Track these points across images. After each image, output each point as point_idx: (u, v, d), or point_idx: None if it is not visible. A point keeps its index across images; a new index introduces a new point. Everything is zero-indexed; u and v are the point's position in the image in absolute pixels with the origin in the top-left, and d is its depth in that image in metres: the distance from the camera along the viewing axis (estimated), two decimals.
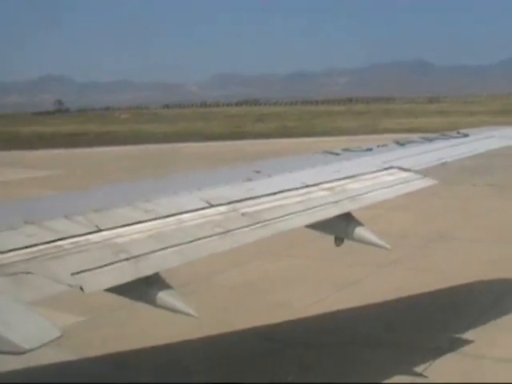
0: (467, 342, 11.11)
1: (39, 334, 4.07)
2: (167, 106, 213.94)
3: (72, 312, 12.35)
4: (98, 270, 4.93)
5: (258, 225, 6.43)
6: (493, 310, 12.68)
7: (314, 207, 7.28)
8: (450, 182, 23.82)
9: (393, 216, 20.42)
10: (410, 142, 11.17)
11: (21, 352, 3.91)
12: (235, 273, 15.75)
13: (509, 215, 22.27)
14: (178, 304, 5.31)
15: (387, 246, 7.72)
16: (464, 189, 27.64)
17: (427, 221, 21.71)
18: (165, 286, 5.34)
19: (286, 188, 7.50)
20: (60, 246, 5.05)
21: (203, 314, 5.76)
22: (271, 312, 12.84)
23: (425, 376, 9.83)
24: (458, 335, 11.42)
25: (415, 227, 20.68)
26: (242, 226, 6.28)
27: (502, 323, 12.02)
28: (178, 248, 5.57)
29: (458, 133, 12.00)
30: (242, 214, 6.51)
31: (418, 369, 10.01)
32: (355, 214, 7.78)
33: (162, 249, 5.46)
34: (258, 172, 7.99)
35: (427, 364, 10.22)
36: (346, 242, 7.97)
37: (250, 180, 7.58)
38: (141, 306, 5.59)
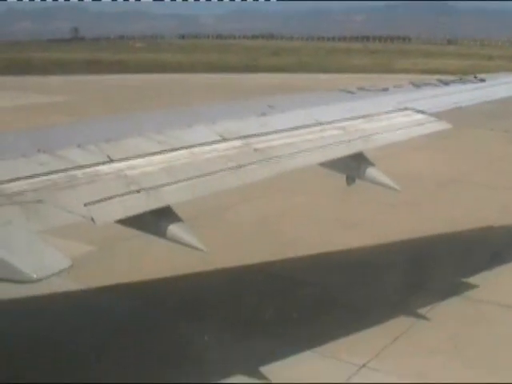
0: (472, 286, 11.17)
1: (49, 264, 4.09)
2: (183, 37, 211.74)
3: (82, 241, 12.40)
4: (109, 202, 4.94)
5: (270, 161, 6.43)
6: (500, 256, 12.72)
7: (326, 145, 7.27)
8: (466, 125, 23.65)
9: (406, 158, 20.30)
10: (426, 84, 11.06)
11: (30, 281, 3.93)
12: (246, 208, 15.77)
13: None
14: (188, 238, 5.33)
15: (397, 187, 7.74)
16: (480, 133, 27.42)
17: (441, 164, 21.61)
18: (175, 219, 5.35)
19: (300, 125, 7.47)
20: (72, 175, 5.06)
21: (212, 248, 5.79)
22: (279, 249, 12.90)
23: (426, 318, 9.92)
24: (462, 279, 11.48)
25: (428, 170, 20.58)
26: (255, 162, 6.27)
27: (507, 269, 12.08)
28: (189, 182, 5.58)
29: (475, 77, 11.86)
30: (255, 150, 6.50)
31: (421, 311, 10.09)
32: (368, 154, 7.77)
33: (174, 182, 5.47)
34: (271, 107, 7.95)
35: (429, 306, 10.30)
36: (358, 182, 7.98)
37: (263, 115, 7.54)
38: (151, 237, 5.62)
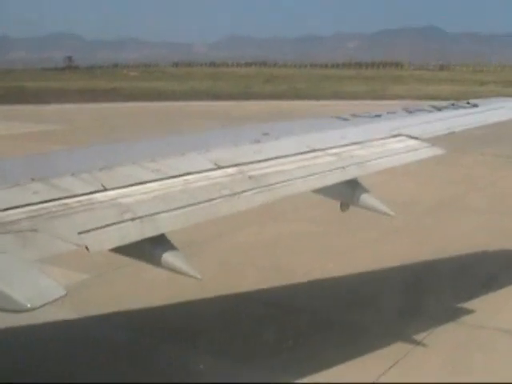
0: (468, 311, 11.15)
1: (43, 293, 4.08)
2: (176, 65, 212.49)
3: (76, 269, 12.36)
4: (103, 230, 4.94)
5: (264, 188, 6.43)
6: (494, 281, 12.72)
7: (320, 172, 7.28)
8: (458, 150, 23.73)
9: (399, 183, 20.38)
10: (419, 109, 11.11)
11: (23, 310, 3.92)
12: (239, 236, 15.76)
13: None
14: (183, 265, 5.33)
15: (391, 213, 7.76)
16: (472, 158, 27.53)
17: (434, 189, 21.67)
18: (169, 247, 5.35)
19: (294, 152, 7.49)
20: (66, 204, 5.06)
21: (206, 276, 5.78)
22: (272, 276, 12.88)
23: (423, 344, 9.88)
24: (458, 304, 11.46)
25: (421, 195, 20.64)
26: (249, 189, 6.28)
27: (503, 294, 12.07)
28: (183, 210, 5.58)
29: (468, 103, 11.92)
30: (249, 177, 6.50)
31: (418, 337, 10.06)
32: (361, 181, 7.79)
33: (168, 210, 5.47)
34: (265, 134, 7.97)
35: (427, 332, 10.27)
36: (352, 208, 7.99)
37: (257, 142, 7.57)
38: (145, 265, 5.61)
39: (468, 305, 11.40)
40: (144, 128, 36.07)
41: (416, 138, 8.92)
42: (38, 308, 3.96)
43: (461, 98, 14.30)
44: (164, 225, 5.32)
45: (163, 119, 43.85)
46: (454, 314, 11.10)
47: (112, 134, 33.35)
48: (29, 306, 3.91)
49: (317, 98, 63.60)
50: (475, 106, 11.63)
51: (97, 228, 4.92)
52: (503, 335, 10.56)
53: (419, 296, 11.91)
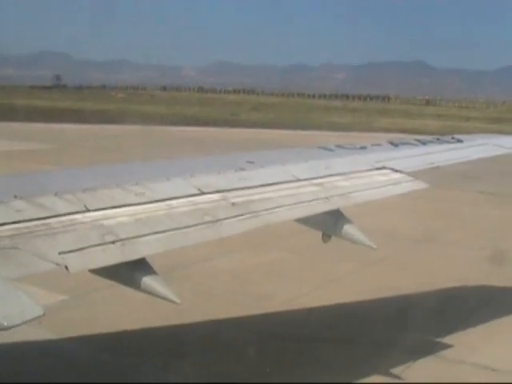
0: (446, 345, 11.15)
1: (21, 312, 4.07)
2: (164, 88, 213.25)
3: (55, 290, 12.31)
4: (84, 251, 4.93)
5: (247, 215, 6.43)
6: (474, 316, 12.73)
7: (303, 202, 7.30)
8: (441, 186, 23.84)
9: (382, 216, 20.43)
10: (403, 143, 11.17)
11: (0, 329, 3.91)
12: (220, 262, 15.73)
13: (495, 222, 22.44)
14: (162, 290, 5.31)
15: (374, 245, 7.76)
16: (453, 194, 27.69)
17: (415, 223, 21.74)
18: (150, 271, 5.33)
19: (278, 181, 7.51)
20: (48, 223, 5.04)
21: (185, 301, 5.77)
22: (252, 303, 12.86)
23: (401, 378, 9.86)
24: (437, 339, 11.46)
25: (403, 228, 20.70)
26: (232, 216, 6.28)
27: (482, 329, 12.07)
28: (165, 234, 5.57)
29: (453, 138, 12.01)
30: (233, 204, 6.51)
31: (395, 370, 10.03)
32: (344, 212, 7.80)
33: (150, 234, 5.46)
34: (251, 162, 7.99)
35: (404, 366, 10.24)
36: (334, 239, 7.99)
37: (242, 170, 7.59)
38: (125, 288, 5.59)
39: (446, 339, 11.40)
40: (128, 151, 36.13)
41: (400, 172, 8.97)
42: (15, 327, 3.94)
43: (445, 133, 14.42)
44: (145, 248, 5.31)
45: (150, 143, 43.87)
46: (431, 347, 11.10)
47: (96, 156, 33.37)
48: (5, 324, 3.89)
49: (303, 127, 63.83)
50: (460, 141, 11.71)
51: (77, 249, 4.91)
52: (482, 370, 10.55)
53: (397, 329, 11.91)
